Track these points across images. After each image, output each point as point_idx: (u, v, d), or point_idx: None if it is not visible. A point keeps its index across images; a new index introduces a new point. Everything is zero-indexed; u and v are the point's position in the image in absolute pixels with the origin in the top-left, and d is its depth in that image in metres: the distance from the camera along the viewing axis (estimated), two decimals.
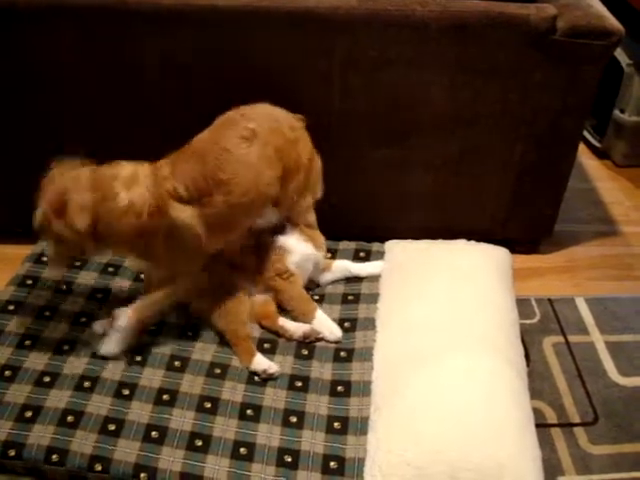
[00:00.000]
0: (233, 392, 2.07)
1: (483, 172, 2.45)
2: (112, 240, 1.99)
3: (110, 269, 2.45)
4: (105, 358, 2.13)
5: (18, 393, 2.04)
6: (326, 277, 2.40)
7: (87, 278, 2.40)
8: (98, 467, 1.88)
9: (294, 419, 2.01)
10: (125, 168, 1.99)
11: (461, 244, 2.45)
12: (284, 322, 2.25)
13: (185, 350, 2.18)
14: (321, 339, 2.23)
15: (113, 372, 2.11)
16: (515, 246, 2.56)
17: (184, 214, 2.03)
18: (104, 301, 2.33)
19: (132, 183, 1.95)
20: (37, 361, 2.13)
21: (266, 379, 2.11)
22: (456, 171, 2.44)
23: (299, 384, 2.11)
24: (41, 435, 1.93)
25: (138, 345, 2.17)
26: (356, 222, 2.55)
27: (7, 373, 2.09)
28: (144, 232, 1.97)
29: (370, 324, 2.25)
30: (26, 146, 2.44)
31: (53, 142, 2.38)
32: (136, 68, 2.26)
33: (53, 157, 2.37)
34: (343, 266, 2.40)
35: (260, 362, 2.13)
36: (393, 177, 2.45)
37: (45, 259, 2.44)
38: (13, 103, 2.36)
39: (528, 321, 2.44)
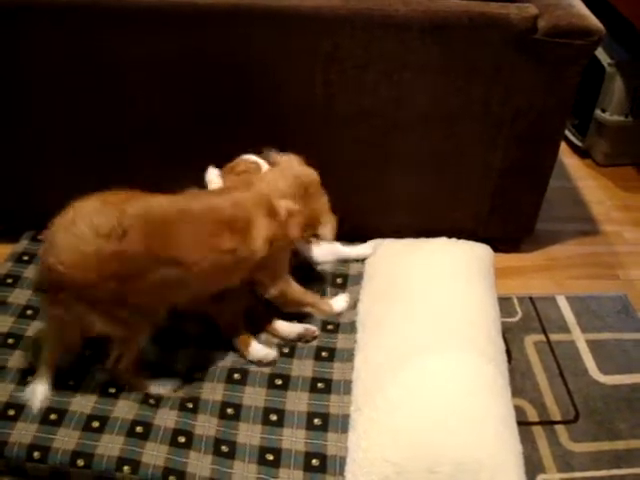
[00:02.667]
0: (213, 391, 2.08)
1: (464, 171, 2.45)
2: None
3: None
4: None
5: (1, 392, 2.03)
6: (315, 255, 2.43)
7: None
8: (80, 462, 1.89)
9: (274, 417, 2.02)
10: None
11: (442, 242, 2.47)
12: (277, 324, 2.26)
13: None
14: (316, 337, 2.25)
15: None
16: (496, 245, 2.57)
17: None
18: None
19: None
20: (20, 360, 2.12)
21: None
22: (437, 170, 2.45)
23: (279, 382, 2.11)
24: (24, 433, 1.93)
25: None
26: (339, 221, 2.55)
27: None
28: None
29: (351, 326, 2.27)
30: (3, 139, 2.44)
31: (35, 140, 2.41)
32: (119, 67, 2.26)
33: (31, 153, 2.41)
34: (332, 247, 2.44)
35: (257, 350, 2.15)
36: (375, 176, 2.46)
37: (26, 258, 2.45)
38: None
39: (510, 319, 2.44)
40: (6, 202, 2.56)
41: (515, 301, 2.52)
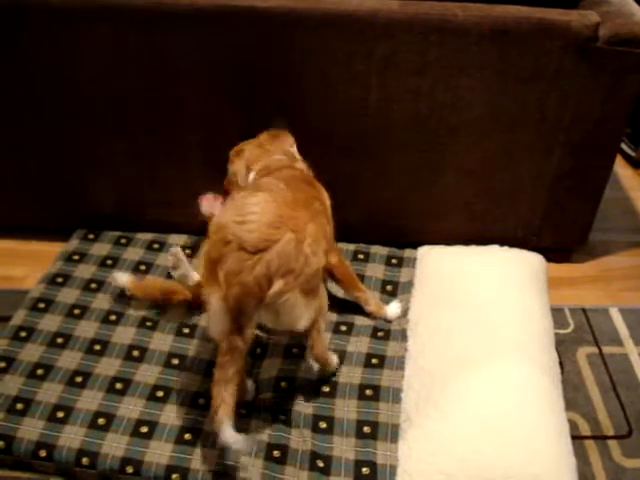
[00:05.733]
0: (262, 400, 2.06)
1: (518, 178, 2.41)
2: None
3: (142, 267, 2.45)
4: (133, 359, 2.14)
5: (50, 392, 2.04)
6: None
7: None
8: (129, 469, 1.89)
9: (324, 425, 2.00)
10: None
11: (494, 250, 2.43)
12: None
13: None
14: None
15: (146, 375, 2.11)
16: (548, 254, 2.53)
17: None
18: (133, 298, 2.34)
19: None
20: (69, 360, 2.13)
21: None
22: (490, 177, 2.41)
23: (326, 389, 2.09)
24: (72, 437, 1.94)
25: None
26: (388, 225, 2.53)
27: (39, 372, 2.09)
28: None
29: (402, 334, 2.24)
30: (58, 141, 2.44)
31: (87, 140, 2.41)
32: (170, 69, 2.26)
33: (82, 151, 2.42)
34: None
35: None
36: (426, 181, 2.43)
37: (76, 257, 2.46)
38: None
39: (562, 331, 2.40)
40: (58, 201, 2.57)
41: (567, 312, 2.47)
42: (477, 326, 2.16)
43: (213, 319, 1.78)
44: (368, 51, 2.17)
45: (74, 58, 2.24)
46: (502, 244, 2.46)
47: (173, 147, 2.40)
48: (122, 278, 2.30)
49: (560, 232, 2.56)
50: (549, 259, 2.52)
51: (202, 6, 2.13)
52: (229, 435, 1.73)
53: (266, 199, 1.81)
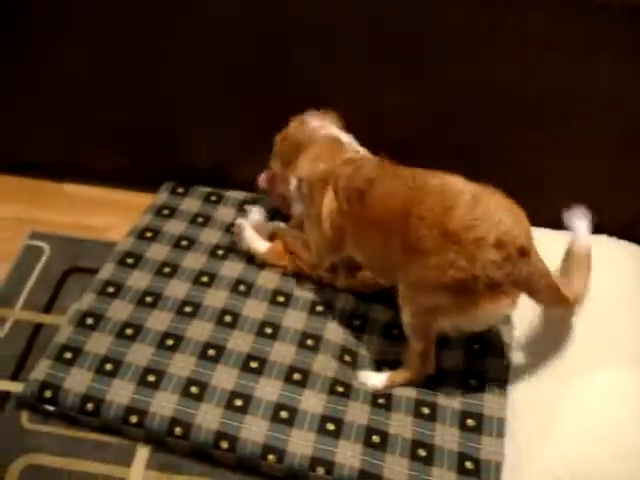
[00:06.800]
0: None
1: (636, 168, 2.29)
2: None
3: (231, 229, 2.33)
4: (231, 326, 2.04)
5: (140, 354, 1.95)
6: None
7: (209, 236, 2.30)
8: (224, 444, 1.80)
9: (426, 410, 1.92)
10: None
11: (604, 241, 2.31)
12: None
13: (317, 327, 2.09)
14: None
15: (238, 343, 2.01)
16: None
17: None
18: (225, 259, 2.24)
19: None
20: (159, 321, 2.03)
21: None
22: (610, 163, 2.28)
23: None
24: (164, 405, 1.85)
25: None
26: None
27: (128, 332, 2.00)
28: None
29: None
30: (155, 91, 2.35)
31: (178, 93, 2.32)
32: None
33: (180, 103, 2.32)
34: None
35: None
36: (544, 162, 2.30)
37: (166, 212, 2.36)
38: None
39: None
40: (149, 151, 2.48)
41: None
42: (587, 326, 2.03)
43: None
44: (495, 23, 2.03)
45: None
46: (610, 232, 2.32)
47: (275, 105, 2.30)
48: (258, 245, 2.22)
49: None
50: None
51: None
52: None
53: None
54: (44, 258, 2.25)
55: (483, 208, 1.76)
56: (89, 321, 2.01)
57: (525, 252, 1.75)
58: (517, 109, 2.20)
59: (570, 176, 2.31)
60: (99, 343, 1.96)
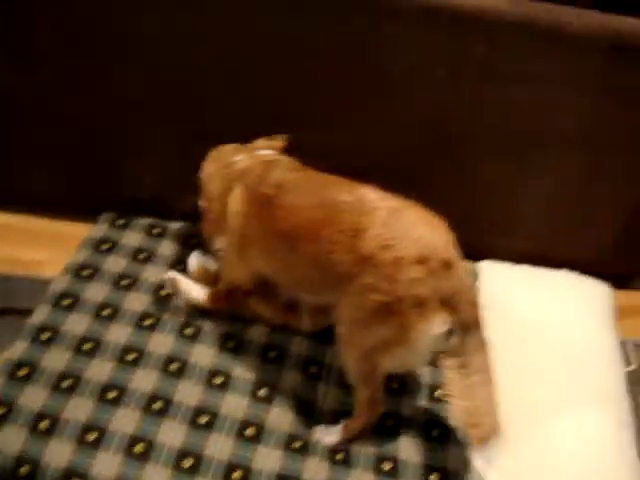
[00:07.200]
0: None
1: (598, 203, 2.23)
2: None
3: (179, 266, 2.17)
4: (177, 376, 1.89)
5: (79, 409, 1.79)
6: None
7: (153, 274, 2.13)
8: None
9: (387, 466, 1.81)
10: None
11: (563, 276, 2.25)
12: None
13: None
14: None
15: (188, 395, 1.87)
16: (606, 279, 2.35)
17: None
18: (170, 299, 2.07)
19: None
20: (98, 371, 1.87)
21: None
22: (569, 198, 2.23)
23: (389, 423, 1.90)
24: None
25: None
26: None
27: (65, 384, 1.83)
28: None
29: None
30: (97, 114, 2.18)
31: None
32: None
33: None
34: None
35: None
36: (501, 194, 2.24)
37: (105, 247, 2.18)
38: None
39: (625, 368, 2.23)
40: (87, 178, 2.31)
41: (631, 347, 2.30)
42: (554, 366, 1.99)
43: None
44: (467, 52, 1.94)
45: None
46: (568, 266, 2.28)
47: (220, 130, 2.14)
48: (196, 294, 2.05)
49: (631, 259, 2.39)
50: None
51: None
52: None
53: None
54: None
55: (401, 224, 1.65)
56: (21, 372, 1.83)
57: (449, 265, 1.63)
58: (480, 138, 2.13)
59: (531, 208, 2.25)
60: (33, 397, 1.79)
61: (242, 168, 1.92)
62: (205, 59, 2.05)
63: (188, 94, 2.12)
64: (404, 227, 1.65)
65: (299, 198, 1.77)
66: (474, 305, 1.68)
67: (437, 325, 1.63)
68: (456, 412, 1.72)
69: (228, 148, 2.02)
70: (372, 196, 1.71)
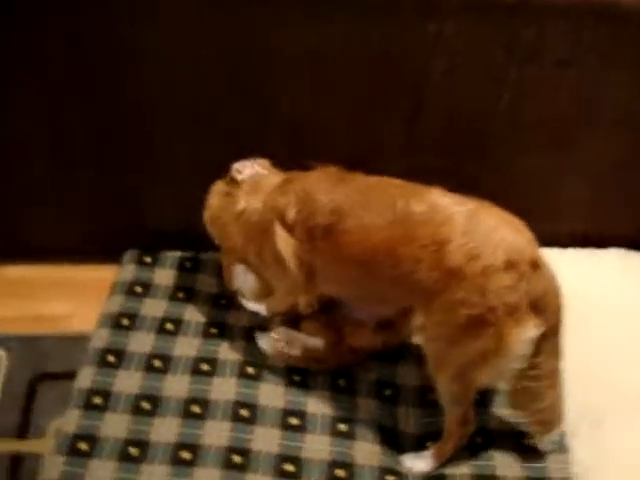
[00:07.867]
0: None
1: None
2: None
3: (222, 301, 2.02)
4: (243, 420, 1.75)
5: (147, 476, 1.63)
6: None
7: (197, 314, 1.98)
8: None
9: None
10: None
11: (616, 254, 2.21)
12: None
13: None
14: None
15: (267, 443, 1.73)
16: None
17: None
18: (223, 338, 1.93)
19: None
20: (164, 431, 1.71)
21: None
22: (618, 180, 2.15)
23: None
24: None
25: None
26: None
27: (133, 451, 1.67)
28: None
29: None
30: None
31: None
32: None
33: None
34: None
35: None
36: (548, 185, 2.14)
37: (139, 290, 2.01)
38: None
39: None
40: (101, 219, 2.12)
41: None
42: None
43: None
44: (509, 39, 1.81)
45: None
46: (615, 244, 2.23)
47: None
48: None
49: None
50: None
51: None
52: None
53: None
54: (2, 368, 1.85)
55: (481, 230, 1.55)
56: (82, 446, 1.66)
57: (537, 265, 1.54)
58: (527, 130, 2.02)
59: (579, 194, 2.17)
60: (101, 472, 1.62)
61: (256, 208, 1.79)
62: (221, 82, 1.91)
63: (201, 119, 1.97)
64: (485, 232, 1.54)
65: (364, 218, 1.63)
66: (560, 307, 1.60)
67: (531, 329, 1.55)
68: (521, 412, 1.73)
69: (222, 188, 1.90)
70: (444, 201, 1.60)
